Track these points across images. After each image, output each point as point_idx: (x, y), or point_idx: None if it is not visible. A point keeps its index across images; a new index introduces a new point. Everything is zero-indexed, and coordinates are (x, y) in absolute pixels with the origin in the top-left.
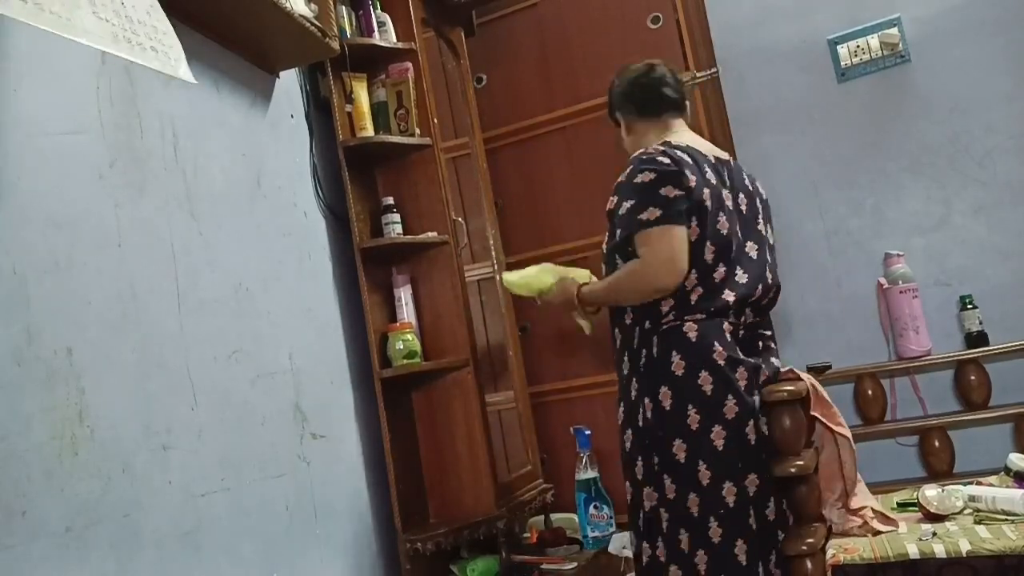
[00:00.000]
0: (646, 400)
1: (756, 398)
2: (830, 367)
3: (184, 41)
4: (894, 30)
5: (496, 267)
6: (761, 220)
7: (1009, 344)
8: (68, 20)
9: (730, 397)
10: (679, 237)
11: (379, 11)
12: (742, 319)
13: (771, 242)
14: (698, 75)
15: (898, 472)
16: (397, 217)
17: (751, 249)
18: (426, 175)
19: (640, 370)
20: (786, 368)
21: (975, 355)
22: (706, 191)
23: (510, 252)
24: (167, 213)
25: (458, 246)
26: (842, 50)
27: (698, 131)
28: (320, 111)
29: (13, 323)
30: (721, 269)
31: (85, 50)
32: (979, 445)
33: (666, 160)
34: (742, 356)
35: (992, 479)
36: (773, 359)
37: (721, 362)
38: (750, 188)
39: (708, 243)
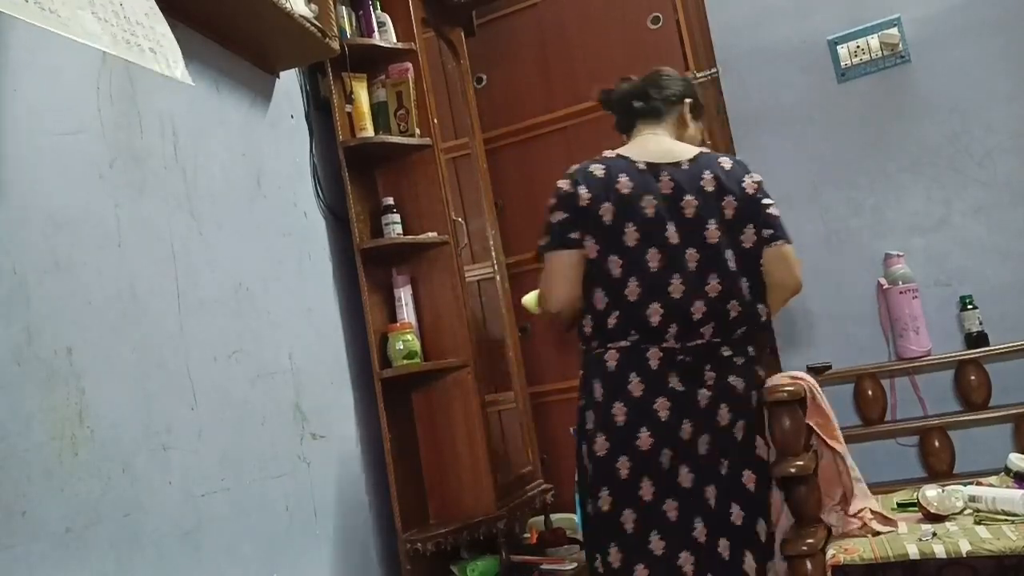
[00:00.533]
0: (586, 414)
1: (685, 425)
2: (830, 367)
3: (184, 41)
4: (894, 30)
5: (496, 267)
6: (714, 224)
7: (1009, 344)
8: (69, 20)
9: (643, 429)
10: (563, 263)
11: (379, 11)
12: (682, 342)
13: (744, 246)
14: (698, 75)
15: (898, 472)
16: (397, 217)
17: (690, 259)
18: (426, 175)
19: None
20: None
21: (975, 355)
22: (605, 205)
23: (510, 252)
24: (167, 213)
25: (458, 246)
26: (842, 50)
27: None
28: (320, 111)
29: (13, 323)
30: (633, 284)
31: (85, 50)
32: (979, 445)
33: (564, 184)
34: (669, 385)
35: (992, 479)
36: (732, 378)
37: (637, 394)
38: (708, 189)
39: (613, 257)
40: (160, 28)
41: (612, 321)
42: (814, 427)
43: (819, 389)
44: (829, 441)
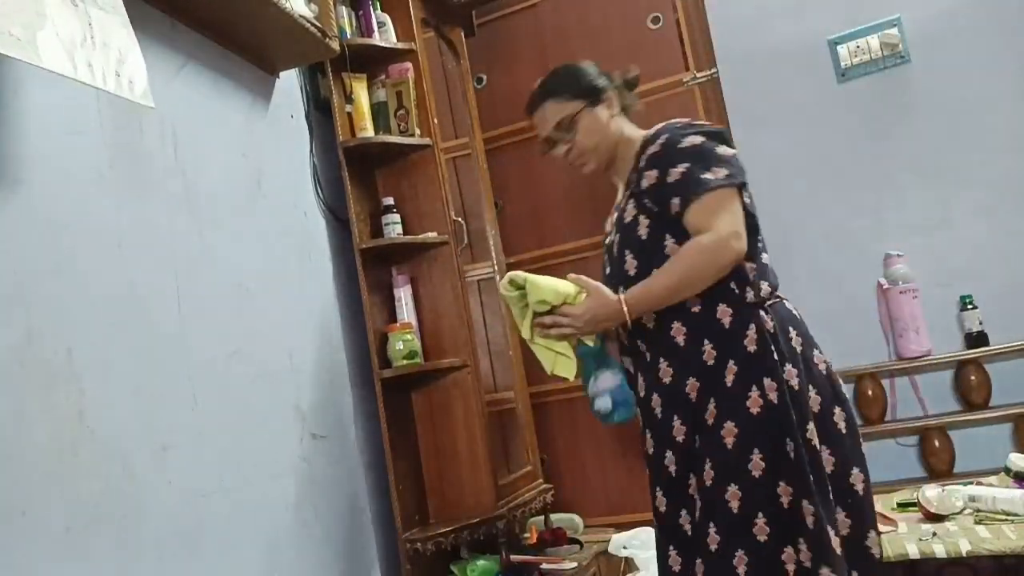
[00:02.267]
0: (767, 382)
1: None
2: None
3: (184, 41)
4: (894, 30)
5: (496, 267)
6: None
7: (1009, 344)
8: (28, 43)
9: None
10: (738, 205)
11: (379, 11)
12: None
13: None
14: (698, 75)
15: (898, 472)
16: (397, 217)
17: None
18: (426, 175)
19: (744, 354)
20: None
21: (975, 355)
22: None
23: (510, 252)
24: (167, 213)
25: (458, 246)
26: (842, 50)
27: None
28: (320, 111)
29: (13, 324)
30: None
31: None
32: (979, 445)
33: (706, 122)
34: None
35: (992, 479)
36: None
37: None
38: None
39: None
40: (126, 47)
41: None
42: None
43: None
44: None
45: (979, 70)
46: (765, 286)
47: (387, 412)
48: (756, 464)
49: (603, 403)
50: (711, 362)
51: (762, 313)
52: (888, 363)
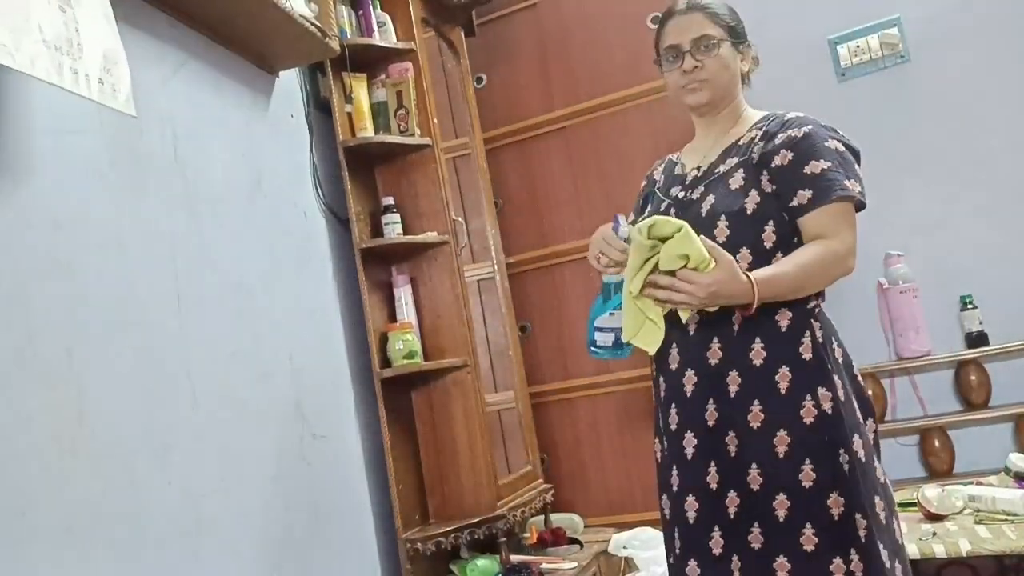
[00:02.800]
0: (820, 391)
1: None
2: None
3: (184, 41)
4: (894, 30)
5: (496, 267)
6: None
7: (1009, 344)
8: (14, 51)
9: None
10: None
11: (379, 11)
12: None
13: None
14: None
15: (898, 472)
16: (397, 217)
17: None
18: (426, 175)
19: (799, 360)
20: None
21: (975, 355)
22: None
23: (510, 252)
24: (167, 213)
25: (458, 246)
26: (842, 50)
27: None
28: (320, 111)
29: (13, 324)
30: None
31: None
32: (979, 445)
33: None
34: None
35: (992, 479)
36: None
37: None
38: None
39: None
40: (113, 54)
41: None
42: None
43: None
44: None
45: (979, 70)
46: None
47: (387, 412)
48: (807, 475)
49: (605, 339)
50: (758, 362)
51: (814, 321)
52: (888, 363)
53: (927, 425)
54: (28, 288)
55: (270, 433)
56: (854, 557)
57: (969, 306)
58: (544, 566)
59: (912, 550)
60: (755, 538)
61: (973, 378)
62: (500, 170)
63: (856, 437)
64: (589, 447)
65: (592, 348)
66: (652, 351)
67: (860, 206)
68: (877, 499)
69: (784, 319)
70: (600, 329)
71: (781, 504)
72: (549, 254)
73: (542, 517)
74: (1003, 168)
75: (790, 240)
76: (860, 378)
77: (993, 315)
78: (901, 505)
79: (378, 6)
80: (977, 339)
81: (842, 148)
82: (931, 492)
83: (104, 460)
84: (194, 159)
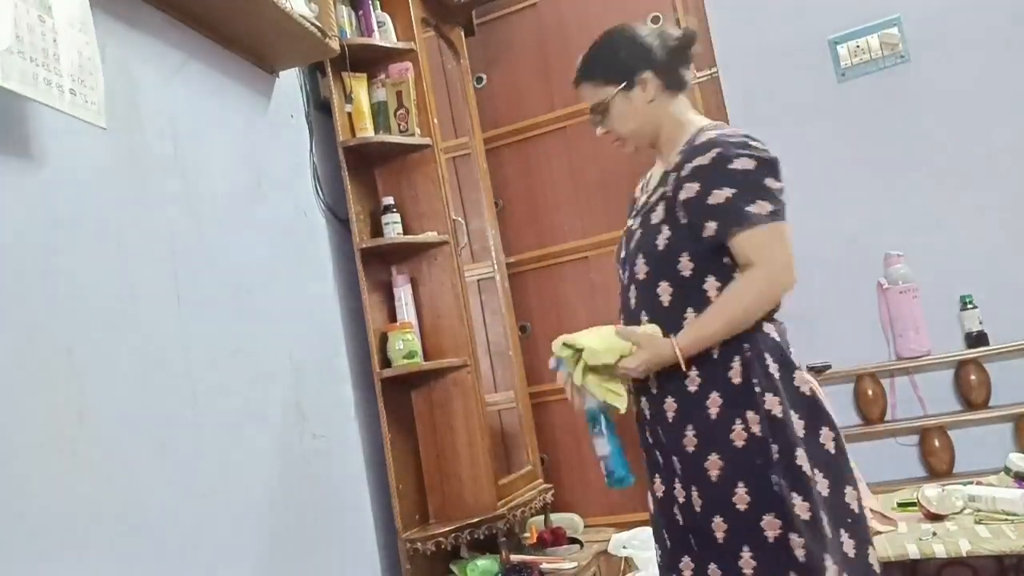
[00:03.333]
0: (749, 415)
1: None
2: (830, 367)
3: (184, 41)
4: (894, 30)
5: (496, 267)
6: None
7: (1009, 344)
8: None
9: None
10: (790, 235)
11: (379, 11)
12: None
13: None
14: (698, 75)
15: (898, 472)
16: (397, 217)
17: None
18: (426, 175)
19: (728, 385)
20: None
21: (975, 355)
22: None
23: (510, 252)
24: (167, 213)
25: (458, 246)
26: (842, 50)
27: None
28: (320, 111)
29: (13, 323)
30: None
31: None
32: (979, 445)
33: (761, 145)
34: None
35: (992, 479)
36: None
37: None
38: None
39: None
40: (90, 65)
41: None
42: None
43: (819, 389)
44: None
45: (979, 70)
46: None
47: (387, 412)
48: (741, 497)
49: (607, 466)
50: (692, 388)
51: (745, 344)
52: (888, 363)
53: (927, 425)
54: (28, 288)
55: (270, 433)
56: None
57: (969, 306)
58: (544, 566)
59: (912, 550)
60: (696, 557)
61: (973, 378)
62: (500, 170)
63: (799, 451)
64: (589, 447)
65: (608, 482)
66: (623, 409)
67: (775, 221)
68: (822, 513)
69: (716, 346)
70: (602, 458)
71: (719, 527)
72: (549, 254)
73: (542, 517)
74: (1003, 168)
75: (714, 261)
76: (807, 387)
77: (993, 315)
78: (901, 505)
79: (378, 6)
80: (977, 339)
81: (751, 166)
82: (931, 492)
83: (104, 460)
84: (194, 159)
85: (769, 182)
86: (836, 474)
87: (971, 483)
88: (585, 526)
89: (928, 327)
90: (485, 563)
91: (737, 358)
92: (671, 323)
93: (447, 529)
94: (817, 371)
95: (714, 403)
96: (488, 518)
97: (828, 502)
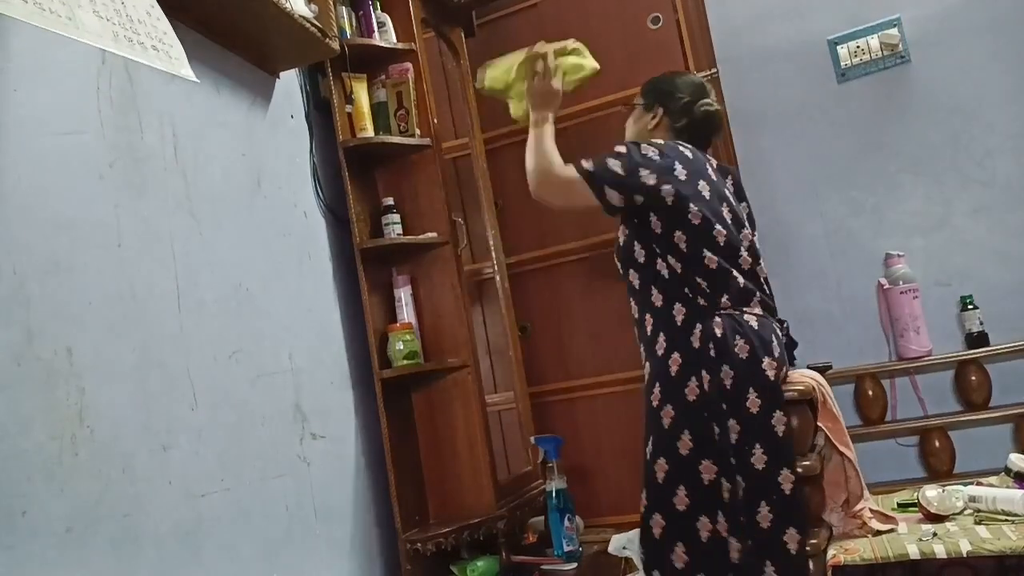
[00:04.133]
0: (704, 374)
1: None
2: (830, 367)
3: (184, 41)
4: (894, 30)
5: (496, 267)
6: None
7: (1009, 344)
8: (69, 20)
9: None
10: (582, 187)
11: (379, 11)
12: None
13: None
14: (698, 75)
15: (898, 472)
16: (397, 217)
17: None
18: (426, 175)
19: (688, 348)
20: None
21: (975, 355)
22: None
23: (510, 252)
24: (167, 213)
25: (458, 246)
26: (842, 50)
27: None
28: (320, 111)
29: (13, 323)
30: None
31: (85, 50)
32: (979, 445)
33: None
34: None
35: (992, 479)
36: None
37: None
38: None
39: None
40: (162, 26)
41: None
42: (825, 430)
43: (829, 389)
44: (839, 446)
45: (979, 70)
46: (722, 299)
47: (387, 412)
48: (685, 443)
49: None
50: (660, 352)
51: (716, 318)
52: (888, 363)
53: (927, 425)
54: (28, 288)
55: (270, 433)
56: (720, 518)
57: (969, 306)
58: (544, 566)
59: (912, 550)
60: (642, 502)
61: (973, 378)
62: (500, 170)
63: (730, 422)
64: (589, 447)
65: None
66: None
67: (588, 175)
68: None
69: (680, 315)
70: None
71: (660, 467)
72: (549, 254)
73: (542, 517)
74: (1003, 168)
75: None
76: (773, 372)
77: (993, 315)
78: (901, 505)
79: (378, 6)
80: (977, 339)
81: (622, 148)
82: (931, 492)
83: (104, 460)
84: (194, 159)
85: (624, 148)
86: (776, 455)
87: (971, 484)
88: (585, 526)
89: (928, 327)
90: (485, 563)
91: (699, 326)
92: (644, 305)
93: (447, 530)
94: (817, 371)
95: (675, 362)
96: (488, 519)
97: (761, 475)
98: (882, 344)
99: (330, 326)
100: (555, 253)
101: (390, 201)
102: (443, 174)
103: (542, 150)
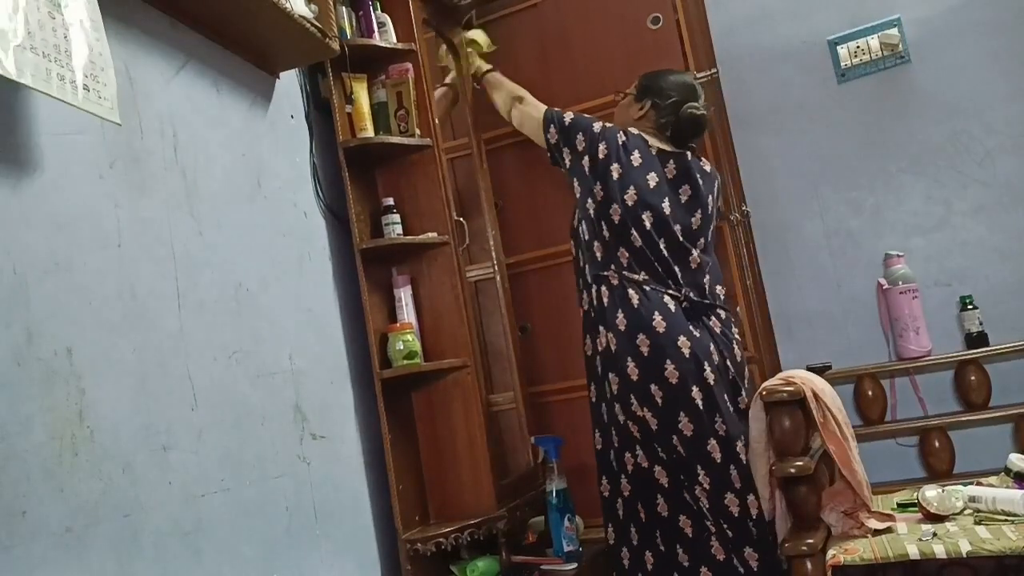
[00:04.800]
0: (603, 331)
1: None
2: (830, 367)
3: (184, 41)
4: (894, 31)
5: (496, 267)
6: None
7: (1009, 344)
8: (3, 57)
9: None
10: (539, 126)
11: (379, 11)
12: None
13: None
14: (698, 75)
15: (898, 472)
16: (397, 217)
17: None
18: (426, 175)
19: (598, 308)
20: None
21: (975, 355)
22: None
23: (510, 252)
24: (167, 213)
25: (458, 246)
26: (842, 50)
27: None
28: (320, 112)
29: (13, 323)
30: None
31: None
32: (979, 445)
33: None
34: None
35: (992, 479)
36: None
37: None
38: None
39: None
40: (102, 61)
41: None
42: (831, 454)
43: (831, 400)
44: (843, 470)
45: (979, 70)
46: (640, 275)
47: (387, 412)
48: (592, 392)
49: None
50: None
51: (630, 291)
52: (888, 363)
53: (927, 425)
54: (28, 287)
55: (270, 433)
56: (640, 452)
57: (969, 306)
58: (544, 566)
59: (912, 551)
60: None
61: (973, 378)
62: (500, 170)
63: (612, 374)
64: (589, 447)
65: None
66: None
67: (549, 117)
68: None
69: (604, 292)
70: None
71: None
72: (549, 254)
73: (542, 517)
74: (1003, 168)
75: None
76: (688, 350)
77: (993, 315)
78: (901, 505)
79: (378, 6)
80: (977, 339)
81: (597, 124)
82: (931, 492)
83: (104, 460)
84: (194, 159)
85: (594, 125)
86: (701, 425)
87: (971, 483)
88: (585, 526)
89: (928, 327)
90: (485, 564)
91: (612, 295)
92: (597, 279)
93: (447, 530)
94: (817, 371)
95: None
96: (488, 519)
97: (691, 442)
98: (882, 344)
99: (330, 326)
100: (555, 253)
101: (390, 201)
102: (443, 174)
103: (514, 85)
